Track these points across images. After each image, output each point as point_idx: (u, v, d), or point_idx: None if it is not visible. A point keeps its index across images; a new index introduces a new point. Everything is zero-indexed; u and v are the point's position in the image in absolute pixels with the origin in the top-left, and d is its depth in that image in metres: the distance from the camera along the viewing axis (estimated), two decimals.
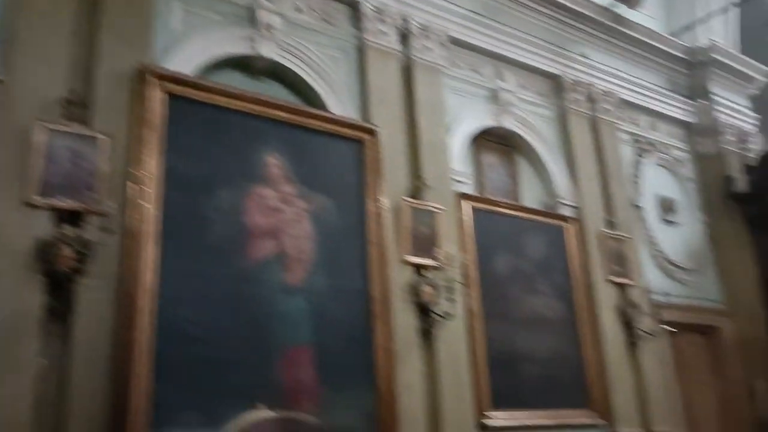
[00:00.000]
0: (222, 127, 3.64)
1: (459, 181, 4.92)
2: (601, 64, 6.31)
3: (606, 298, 5.43)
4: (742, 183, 6.78)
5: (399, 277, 4.16)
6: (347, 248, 3.88)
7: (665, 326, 5.88)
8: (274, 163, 3.76)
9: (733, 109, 7.28)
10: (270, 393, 3.27)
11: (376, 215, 4.07)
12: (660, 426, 5.31)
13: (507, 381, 4.60)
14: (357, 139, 4.21)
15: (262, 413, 3.19)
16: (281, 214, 3.67)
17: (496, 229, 5.02)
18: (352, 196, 4.03)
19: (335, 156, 4.08)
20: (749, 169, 6.78)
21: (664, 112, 6.84)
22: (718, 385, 6.32)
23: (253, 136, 3.74)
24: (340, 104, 4.44)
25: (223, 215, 3.45)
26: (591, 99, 6.10)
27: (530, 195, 5.62)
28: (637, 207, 6.27)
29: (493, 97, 5.47)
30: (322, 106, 4.36)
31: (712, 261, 6.71)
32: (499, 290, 4.83)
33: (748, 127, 7.36)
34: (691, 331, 6.27)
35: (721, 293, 6.61)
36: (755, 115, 7.51)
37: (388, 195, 4.25)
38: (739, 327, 6.46)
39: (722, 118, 7.13)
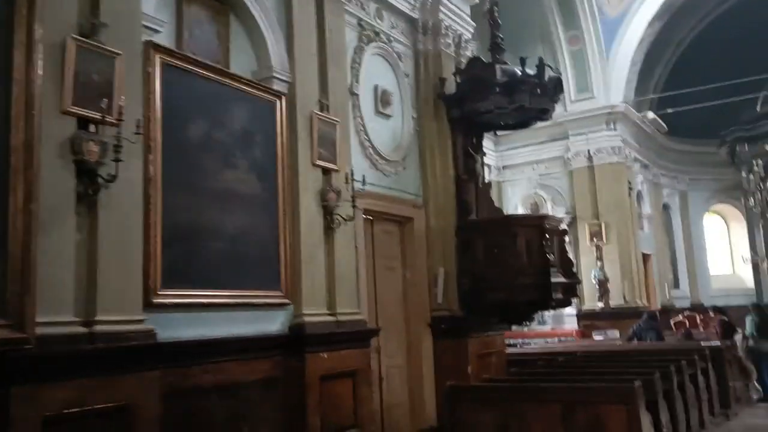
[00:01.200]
0: None
1: (151, 29, 4.21)
2: None
3: (309, 181, 5.30)
4: (451, 85, 7.11)
5: (55, 129, 3.41)
6: None
7: (363, 214, 6.02)
8: None
9: (455, 14, 7.51)
10: None
11: (27, 48, 3.21)
12: (345, 308, 5.47)
13: (186, 257, 4.23)
14: None
15: None
16: None
17: (194, 92, 4.47)
18: None
19: None
20: (458, 73, 7.10)
21: (392, 2, 6.76)
22: (406, 271, 6.77)
23: None
24: None
25: None
26: None
27: (241, 61, 5.12)
28: (353, 94, 6.19)
29: None
30: None
31: (416, 156, 7.02)
32: (188, 159, 4.34)
33: (465, 34, 7.69)
34: (386, 220, 6.54)
35: (419, 187, 6.98)
36: (473, 23, 7.86)
37: (49, 28, 3.36)
38: (430, 219, 6.93)
39: (445, 21, 7.32)
